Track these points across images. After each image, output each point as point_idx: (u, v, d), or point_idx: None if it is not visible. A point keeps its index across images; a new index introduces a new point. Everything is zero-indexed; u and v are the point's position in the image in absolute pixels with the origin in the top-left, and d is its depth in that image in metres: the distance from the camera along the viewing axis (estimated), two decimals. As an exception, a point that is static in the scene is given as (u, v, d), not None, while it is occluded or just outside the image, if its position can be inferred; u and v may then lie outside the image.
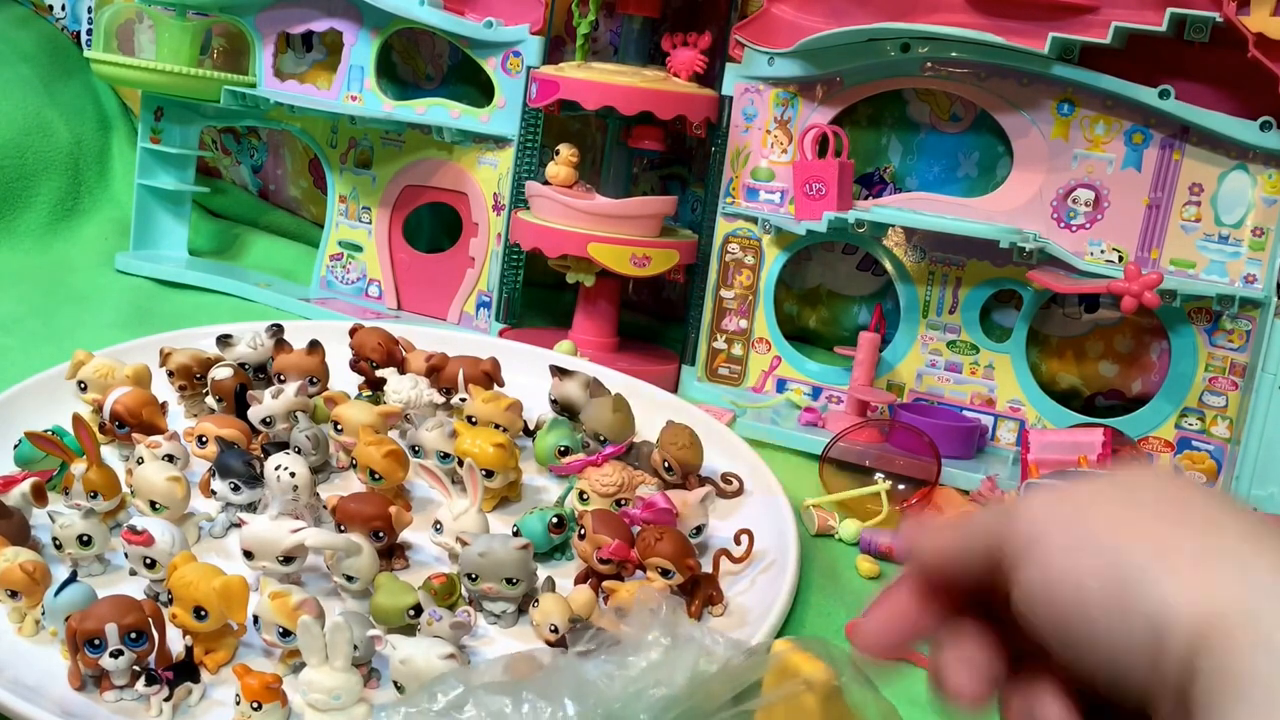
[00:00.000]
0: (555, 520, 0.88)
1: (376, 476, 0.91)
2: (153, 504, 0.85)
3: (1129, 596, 0.24)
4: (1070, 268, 1.16)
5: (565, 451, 1.01)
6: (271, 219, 1.74)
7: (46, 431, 0.91)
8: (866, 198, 1.32)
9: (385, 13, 1.38)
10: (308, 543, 0.79)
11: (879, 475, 1.06)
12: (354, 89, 1.44)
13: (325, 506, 0.89)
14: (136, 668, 0.69)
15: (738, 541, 0.90)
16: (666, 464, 0.98)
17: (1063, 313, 1.29)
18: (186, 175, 1.58)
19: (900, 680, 0.79)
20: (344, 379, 1.11)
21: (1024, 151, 1.20)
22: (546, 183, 1.30)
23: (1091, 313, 1.28)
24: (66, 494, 0.88)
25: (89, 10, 1.77)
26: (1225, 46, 1.09)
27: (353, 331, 1.15)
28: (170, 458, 0.91)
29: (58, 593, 0.74)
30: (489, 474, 0.94)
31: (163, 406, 1.00)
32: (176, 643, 0.72)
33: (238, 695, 0.68)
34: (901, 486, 1.08)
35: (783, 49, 1.25)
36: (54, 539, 0.81)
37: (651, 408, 1.09)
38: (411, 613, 0.76)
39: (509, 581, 0.79)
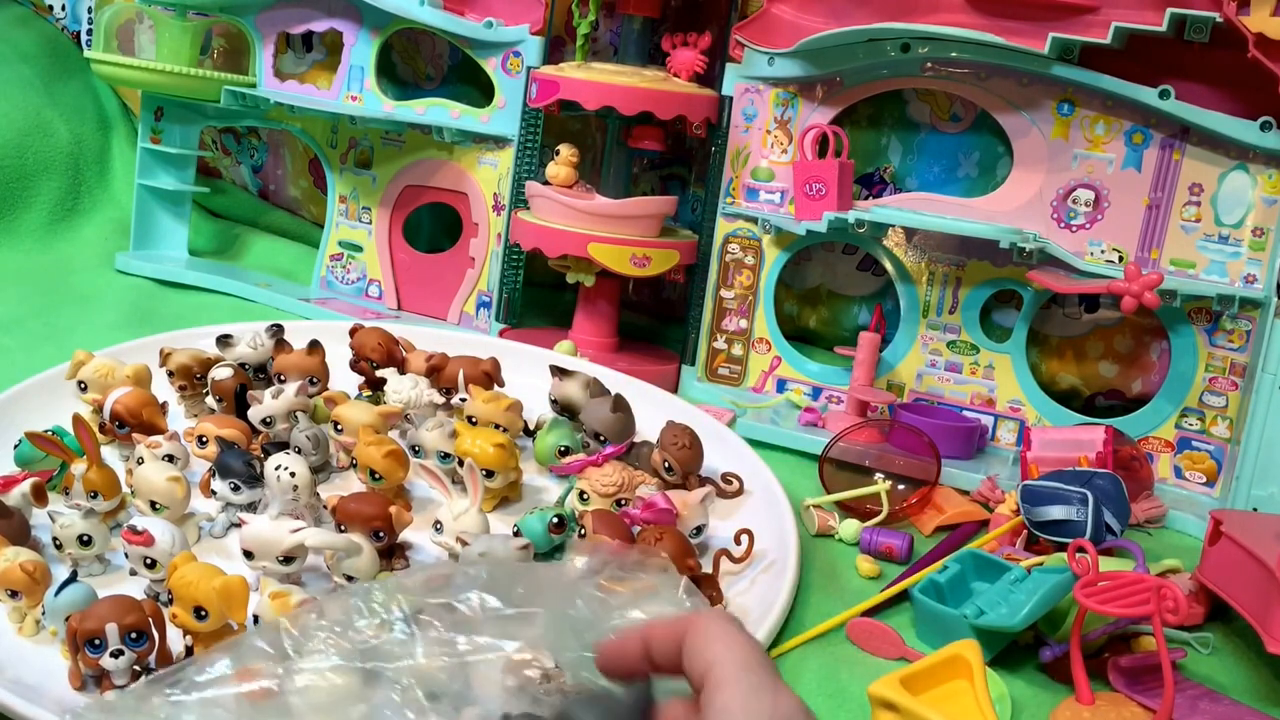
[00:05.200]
0: (555, 520, 0.88)
1: (376, 476, 0.91)
2: (153, 504, 0.85)
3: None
4: (1070, 268, 1.16)
5: (565, 451, 1.01)
6: (271, 219, 1.74)
7: (46, 431, 0.91)
8: (866, 198, 1.32)
9: (385, 13, 1.38)
10: (308, 543, 0.79)
11: (879, 475, 1.06)
12: (354, 89, 1.44)
13: (325, 506, 0.89)
14: (137, 667, 0.69)
15: (738, 541, 0.90)
16: (666, 464, 0.98)
17: (1063, 313, 1.29)
18: (186, 175, 1.58)
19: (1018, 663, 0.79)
20: (344, 379, 1.11)
21: (1024, 151, 1.20)
22: (546, 183, 1.30)
23: (1091, 313, 1.28)
24: (66, 494, 0.88)
25: (89, 10, 1.77)
26: (1225, 46, 1.09)
27: (353, 331, 1.15)
28: (170, 458, 0.91)
29: (58, 593, 0.74)
30: (489, 474, 0.94)
31: (163, 406, 1.00)
32: (177, 643, 0.72)
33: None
34: (901, 486, 1.08)
35: (783, 49, 1.25)
36: (54, 539, 0.81)
37: (651, 408, 1.09)
38: (411, 613, 0.76)
39: (509, 581, 0.79)
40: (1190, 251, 1.15)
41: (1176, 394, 1.17)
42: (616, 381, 1.13)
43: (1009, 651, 0.83)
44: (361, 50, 1.43)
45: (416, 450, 0.97)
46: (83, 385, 1.04)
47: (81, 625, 0.68)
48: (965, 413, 1.24)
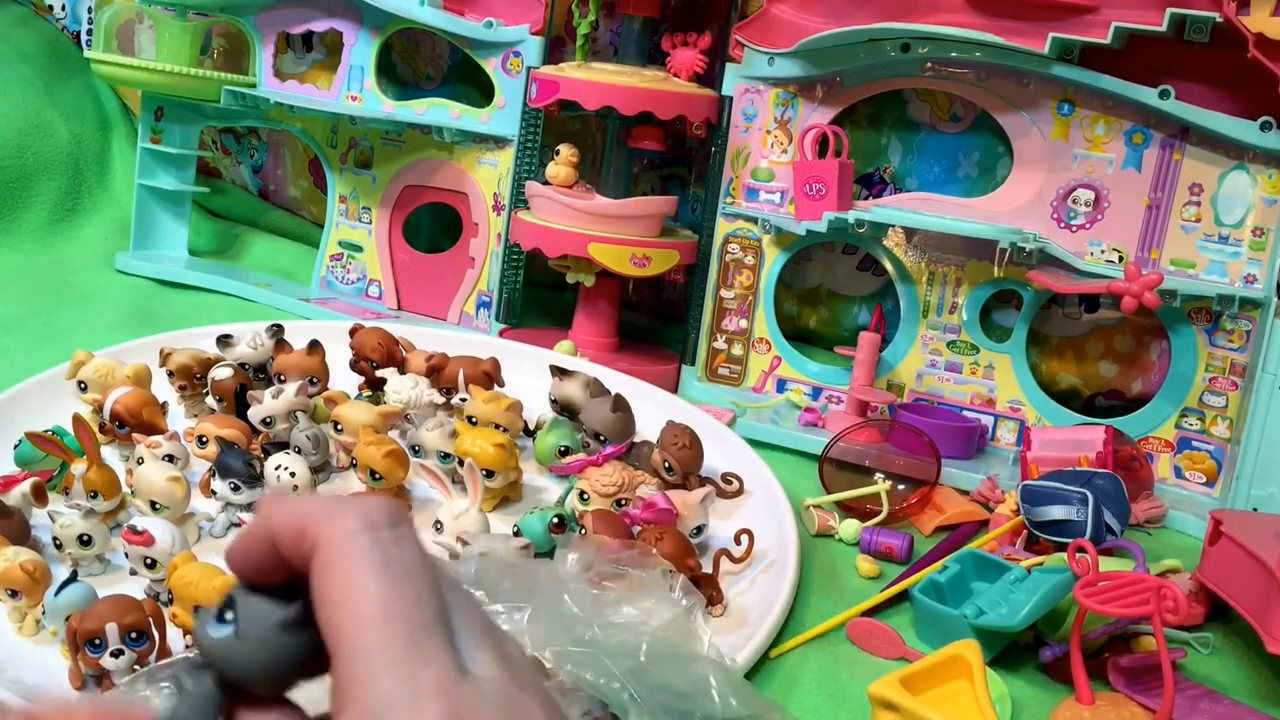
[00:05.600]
0: (555, 520, 0.88)
1: (376, 476, 0.91)
2: (153, 504, 0.85)
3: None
4: (1070, 268, 1.16)
5: (565, 451, 1.01)
6: (271, 219, 1.74)
7: (46, 431, 0.91)
8: (866, 198, 1.32)
9: (385, 13, 1.38)
10: (308, 543, 0.79)
11: (879, 475, 1.06)
12: (354, 89, 1.44)
13: (325, 506, 0.89)
14: (137, 667, 0.69)
15: (738, 541, 0.90)
16: (666, 464, 0.98)
17: (1063, 313, 1.29)
18: (186, 175, 1.58)
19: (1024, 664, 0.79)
20: (344, 379, 1.11)
21: (1024, 151, 1.20)
22: (546, 183, 1.30)
23: (1091, 313, 1.28)
24: (66, 494, 0.88)
25: (89, 10, 1.77)
26: (1225, 46, 1.09)
27: (353, 331, 1.15)
28: (170, 458, 0.91)
29: (58, 592, 0.74)
30: (489, 474, 0.94)
31: (163, 406, 1.00)
32: (177, 642, 0.72)
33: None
34: (901, 486, 1.08)
35: (783, 49, 1.25)
36: (54, 539, 0.81)
37: (651, 408, 1.09)
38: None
39: (509, 581, 0.79)
40: (1190, 251, 1.15)
41: (1176, 394, 1.17)
42: (616, 381, 1.13)
43: (1009, 651, 0.83)
44: (361, 50, 1.43)
45: (416, 450, 0.97)
46: (83, 385, 1.04)
47: (81, 625, 0.68)
48: (965, 413, 1.24)
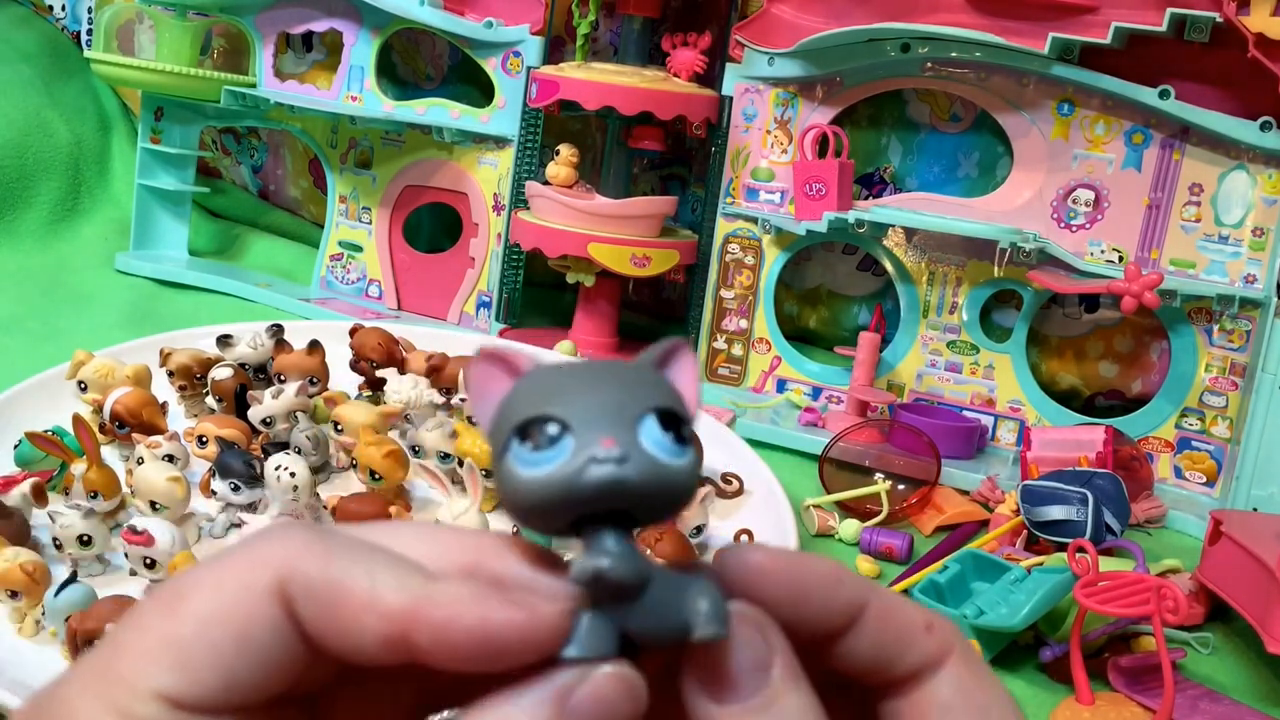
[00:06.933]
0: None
1: (376, 476, 0.91)
2: (153, 504, 0.85)
3: None
4: (1070, 268, 1.16)
5: (565, 451, 1.01)
6: (271, 219, 1.74)
7: (46, 431, 0.91)
8: (866, 198, 1.32)
9: (385, 13, 1.38)
10: (308, 543, 0.79)
11: (879, 475, 1.06)
12: (354, 89, 1.44)
13: (325, 506, 0.89)
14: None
15: (738, 541, 0.90)
16: (666, 464, 0.98)
17: (1063, 313, 1.29)
18: (186, 175, 1.58)
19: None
20: (344, 379, 1.11)
21: (1024, 151, 1.20)
22: (546, 183, 1.30)
23: (1091, 313, 1.28)
24: (66, 494, 0.88)
25: (89, 10, 1.77)
26: (1225, 46, 1.09)
27: (353, 331, 1.14)
28: (170, 458, 0.91)
29: (58, 593, 0.74)
30: (489, 474, 0.93)
31: (163, 406, 1.00)
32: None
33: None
34: (901, 486, 1.08)
35: (783, 49, 1.25)
36: (54, 539, 0.81)
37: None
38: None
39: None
40: (1190, 251, 1.15)
41: (1176, 394, 1.17)
42: (616, 381, 1.13)
43: (1009, 651, 0.83)
44: (361, 50, 1.43)
45: (416, 450, 0.97)
46: (83, 385, 1.04)
47: (81, 625, 0.68)
48: (965, 413, 1.24)
